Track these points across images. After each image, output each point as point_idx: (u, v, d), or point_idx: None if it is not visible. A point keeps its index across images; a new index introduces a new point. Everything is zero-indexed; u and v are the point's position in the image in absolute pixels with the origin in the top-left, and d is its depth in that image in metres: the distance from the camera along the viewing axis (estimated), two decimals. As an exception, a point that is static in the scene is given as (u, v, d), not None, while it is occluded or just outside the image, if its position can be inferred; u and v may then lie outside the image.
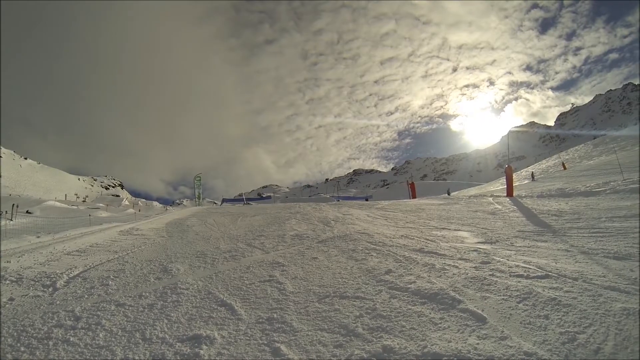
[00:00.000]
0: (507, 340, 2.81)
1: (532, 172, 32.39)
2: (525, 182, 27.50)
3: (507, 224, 8.07)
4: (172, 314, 3.80)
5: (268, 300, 4.05)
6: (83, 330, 3.51)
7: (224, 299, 4.20)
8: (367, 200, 33.43)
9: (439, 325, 3.18)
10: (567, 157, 52.97)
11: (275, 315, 3.60)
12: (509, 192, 14.64)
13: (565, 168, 39.43)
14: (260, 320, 3.52)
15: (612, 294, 3.47)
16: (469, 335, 2.95)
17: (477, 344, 2.80)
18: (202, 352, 2.93)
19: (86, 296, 4.57)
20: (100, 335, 3.38)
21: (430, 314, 3.42)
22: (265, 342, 3.05)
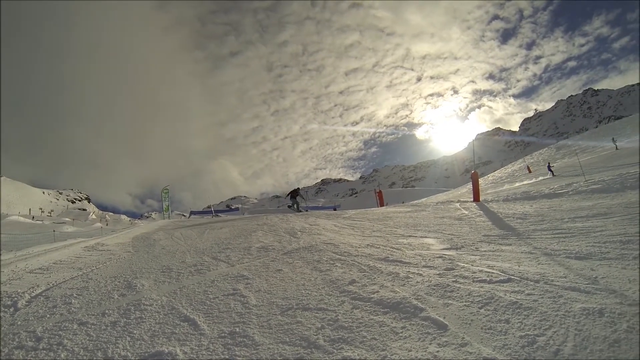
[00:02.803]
0: (468, 347, 2.83)
1: (549, 164, 32.06)
2: (540, 178, 27.45)
3: (473, 229, 8.20)
4: (135, 331, 3.74)
5: (231, 314, 4.02)
6: (44, 351, 3.40)
7: (188, 314, 4.15)
8: (335, 209, 33.45)
9: (400, 334, 3.20)
10: (531, 160, 54.91)
11: (237, 329, 3.58)
12: (476, 197, 14.96)
13: (530, 171, 40.84)
14: (223, 334, 3.50)
15: (572, 294, 3.55)
16: (430, 344, 2.97)
17: (437, 351, 2.82)
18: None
19: (48, 316, 4.44)
20: (62, 355, 3.29)
21: (391, 323, 3.44)
22: (227, 357, 3.04)
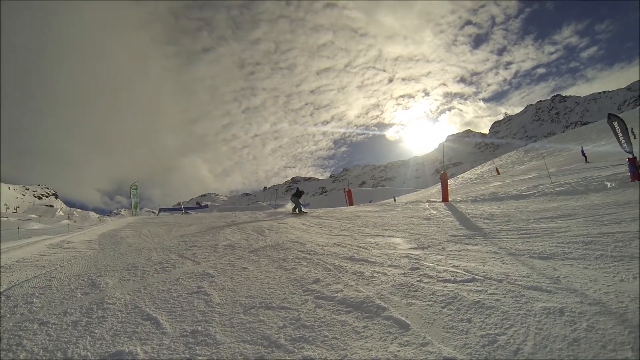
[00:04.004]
0: (428, 346, 2.85)
1: (582, 149, 31.70)
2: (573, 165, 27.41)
3: (440, 229, 8.29)
4: (97, 331, 3.74)
5: (194, 313, 4.06)
6: (3, 352, 3.38)
7: (150, 312, 4.15)
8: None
9: (362, 334, 3.22)
10: (500, 162, 56.29)
11: (199, 328, 3.61)
12: (444, 197, 15.17)
13: (499, 173, 41.84)
14: (185, 333, 3.52)
15: (534, 293, 3.61)
16: (391, 343, 2.98)
17: (398, 351, 2.83)
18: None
19: (8, 315, 4.37)
20: (21, 356, 3.29)
21: (354, 322, 3.46)
22: (187, 356, 3.06)
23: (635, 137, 33.94)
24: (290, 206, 18.65)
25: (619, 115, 12.18)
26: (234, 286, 4.97)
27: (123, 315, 4.14)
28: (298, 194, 17.80)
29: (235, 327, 3.60)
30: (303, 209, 17.07)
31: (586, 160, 28.17)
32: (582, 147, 31.57)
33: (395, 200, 36.23)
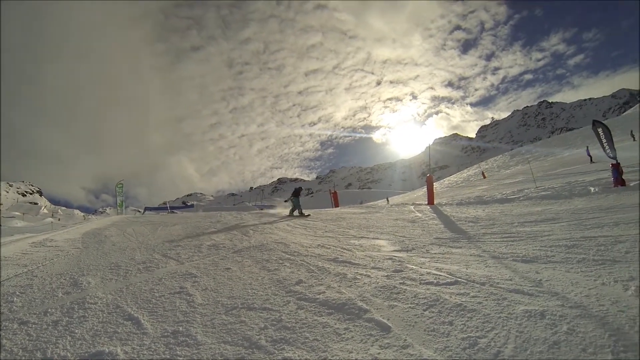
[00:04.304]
0: (409, 349, 2.86)
1: (588, 149, 31.65)
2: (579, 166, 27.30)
3: (425, 232, 8.33)
4: (77, 331, 3.78)
5: (176, 313, 4.10)
6: None
7: (132, 312, 4.20)
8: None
9: (343, 335, 3.23)
10: (486, 166, 56.88)
11: (180, 329, 3.65)
12: (430, 200, 15.25)
13: (485, 177, 42.26)
14: (166, 333, 3.56)
15: (516, 296, 3.63)
16: (371, 345, 2.99)
17: (379, 353, 2.84)
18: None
19: None
20: (0, 356, 3.32)
21: (335, 324, 3.48)
22: (168, 357, 3.09)
23: (635, 140, 34.44)
24: (284, 208, 17.72)
25: (603, 122, 12.38)
26: (217, 286, 5.02)
27: (104, 315, 4.17)
28: (297, 194, 16.27)
29: (216, 327, 3.63)
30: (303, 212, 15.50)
31: (591, 160, 28.35)
32: (587, 147, 31.89)
33: (388, 201, 36.42)
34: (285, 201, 17.09)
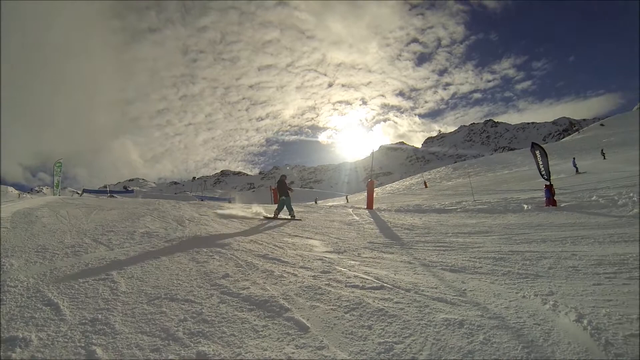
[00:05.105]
0: (324, 350, 2.86)
1: (574, 160, 31.92)
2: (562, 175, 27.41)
3: (360, 235, 8.41)
4: None
5: (97, 300, 4.01)
6: None
7: (52, 298, 4.06)
8: (230, 202, 33.26)
9: (260, 333, 3.24)
10: (429, 176, 58.75)
11: (100, 317, 3.57)
12: (369, 204, 15.47)
13: (426, 186, 43.61)
14: (84, 321, 3.48)
15: (438, 305, 3.70)
16: (287, 344, 2.99)
17: (293, 353, 2.83)
18: (14, 355, 2.89)
19: None
20: None
21: (254, 321, 3.47)
22: (83, 345, 3.03)
23: (604, 158, 36.59)
24: (261, 208, 13.92)
25: (542, 145, 13.08)
26: (143, 275, 4.93)
27: (23, 299, 4.04)
28: (285, 188, 12.41)
29: (136, 317, 3.58)
30: (284, 214, 12.13)
31: (577, 171, 29.20)
32: (574, 159, 33.03)
33: (316, 202, 36.72)
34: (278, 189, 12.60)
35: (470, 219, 10.14)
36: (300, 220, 11.36)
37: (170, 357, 2.84)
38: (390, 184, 61.85)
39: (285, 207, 12.12)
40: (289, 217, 11.73)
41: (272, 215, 11.95)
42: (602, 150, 40.96)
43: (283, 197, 12.16)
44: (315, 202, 38.36)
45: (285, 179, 13.04)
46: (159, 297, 4.09)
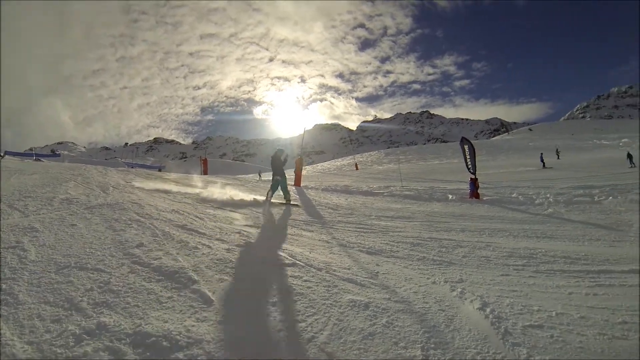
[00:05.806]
0: (224, 325, 2.86)
1: (542, 155, 31.94)
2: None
3: (282, 211, 8.35)
4: None
5: (4, 270, 3.86)
6: None
7: None
8: (160, 170, 32.20)
9: (164, 304, 3.23)
10: (361, 159, 59.82)
11: (4, 286, 3.47)
12: (297, 182, 15.49)
13: (357, 169, 44.38)
14: None
15: (347, 285, 3.76)
16: (189, 317, 2.99)
17: (192, 326, 2.83)
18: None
19: None
20: None
21: (160, 292, 3.47)
22: None
23: (558, 158, 38.20)
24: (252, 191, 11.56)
25: (471, 141, 13.63)
26: (56, 243, 4.77)
27: None
28: (278, 162, 10.11)
29: (42, 286, 3.51)
30: (275, 195, 10.00)
31: (544, 165, 30.02)
32: (541, 154, 33.78)
33: (260, 176, 36.50)
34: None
35: (395, 203, 10.37)
36: (297, 206, 9.50)
37: (69, 328, 2.78)
38: (321, 163, 62.48)
39: (279, 189, 9.95)
40: (284, 201, 9.75)
41: (265, 198, 9.83)
42: (557, 149, 43.18)
43: (277, 177, 9.90)
44: (259, 176, 38.03)
45: (282, 154, 10.53)
46: (68, 266, 3.99)
